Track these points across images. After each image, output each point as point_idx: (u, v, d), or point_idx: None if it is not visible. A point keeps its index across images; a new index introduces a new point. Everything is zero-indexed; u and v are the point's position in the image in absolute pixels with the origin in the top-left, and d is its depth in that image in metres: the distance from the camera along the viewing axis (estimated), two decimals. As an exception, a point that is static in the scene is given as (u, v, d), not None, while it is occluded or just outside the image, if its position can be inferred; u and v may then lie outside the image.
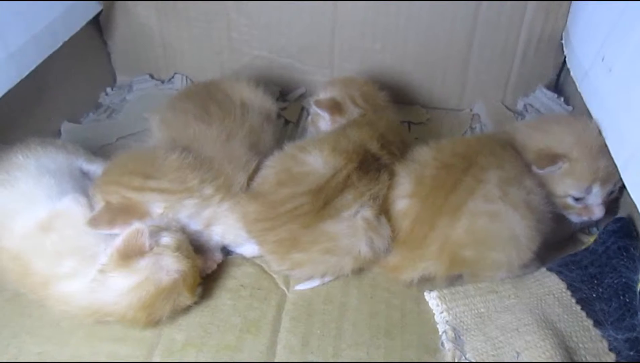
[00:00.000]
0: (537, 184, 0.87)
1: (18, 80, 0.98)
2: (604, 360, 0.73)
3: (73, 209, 0.83)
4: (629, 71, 0.86)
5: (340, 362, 0.77)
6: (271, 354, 0.78)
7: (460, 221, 0.82)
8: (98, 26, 1.31)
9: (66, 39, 1.11)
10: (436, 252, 0.83)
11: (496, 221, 0.81)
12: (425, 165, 0.88)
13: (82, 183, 0.91)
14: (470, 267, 0.85)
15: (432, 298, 0.84)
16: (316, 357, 0.78)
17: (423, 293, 0.85)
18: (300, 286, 0.88)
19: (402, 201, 0.87)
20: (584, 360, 0.73)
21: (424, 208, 0.85)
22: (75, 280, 0.77)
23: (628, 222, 0.83)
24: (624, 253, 0.79)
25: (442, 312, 0.82)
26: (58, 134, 1.19)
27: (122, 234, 0.76)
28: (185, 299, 0.79)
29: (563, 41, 1.18)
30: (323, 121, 1.05)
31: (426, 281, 0.87)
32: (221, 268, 0.90)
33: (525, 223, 0.81)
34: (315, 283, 0.88)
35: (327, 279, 0.88)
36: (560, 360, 0.70)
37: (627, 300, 0.75)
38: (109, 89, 1.36)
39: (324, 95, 1.07)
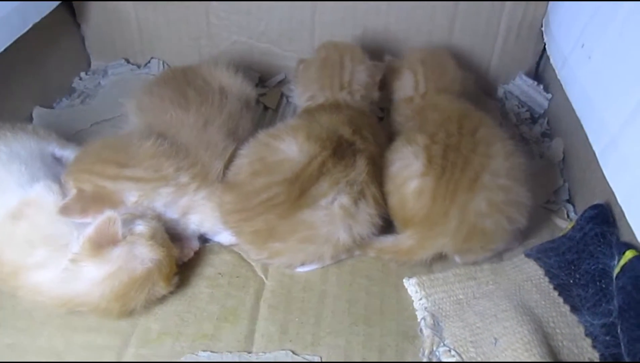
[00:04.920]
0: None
1: (-15, 63, 0.95)
2: (580, 345, 0.74)
3: (44, 197, 0.81)
4: (608, 58, 0.86)
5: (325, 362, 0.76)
6: (249, 342, 0.77)
7: (480, 194, 0.82)
8: (71, 8, 1.27)
9: (36, 20, 1.08)
10: (456, 226, 0.83)
11: (510, 194, 0.84)
12: (427, 147, 0.87)
13: (55, 170, 0.89)
14: (484, 239, 0.85)
15: (411, 285, 0.84)
16: (295, 345, 0.77)
17: (402, 280, 0.85)
18: (301, 269, 0.87)
19: (415, 181, 0.86)
20: (560, 345, 0.74)
21: (440, 184, 0.84)
22: (47, 270, 0.75)
23: (605, 209, 0.83)
24: (601, 240, 0.80)
25: (421, 299, 0.82)
26: (30, 119, 1.16)
27: (95, 222, 0.75)
28: (161, 289, 0.78)
29: (543, 28, 1.17)
30: None
31: (405, 268, 0.87)
32: (198, 255, 0.89)
33: (528, 191, 0.85)
34: (315, 265, 0.87)
35: (327, 262, 0.88)
36: (537, 345, 0.71)
37: (604, 285, 0.76)
38: (83, 74, 1.32)
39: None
